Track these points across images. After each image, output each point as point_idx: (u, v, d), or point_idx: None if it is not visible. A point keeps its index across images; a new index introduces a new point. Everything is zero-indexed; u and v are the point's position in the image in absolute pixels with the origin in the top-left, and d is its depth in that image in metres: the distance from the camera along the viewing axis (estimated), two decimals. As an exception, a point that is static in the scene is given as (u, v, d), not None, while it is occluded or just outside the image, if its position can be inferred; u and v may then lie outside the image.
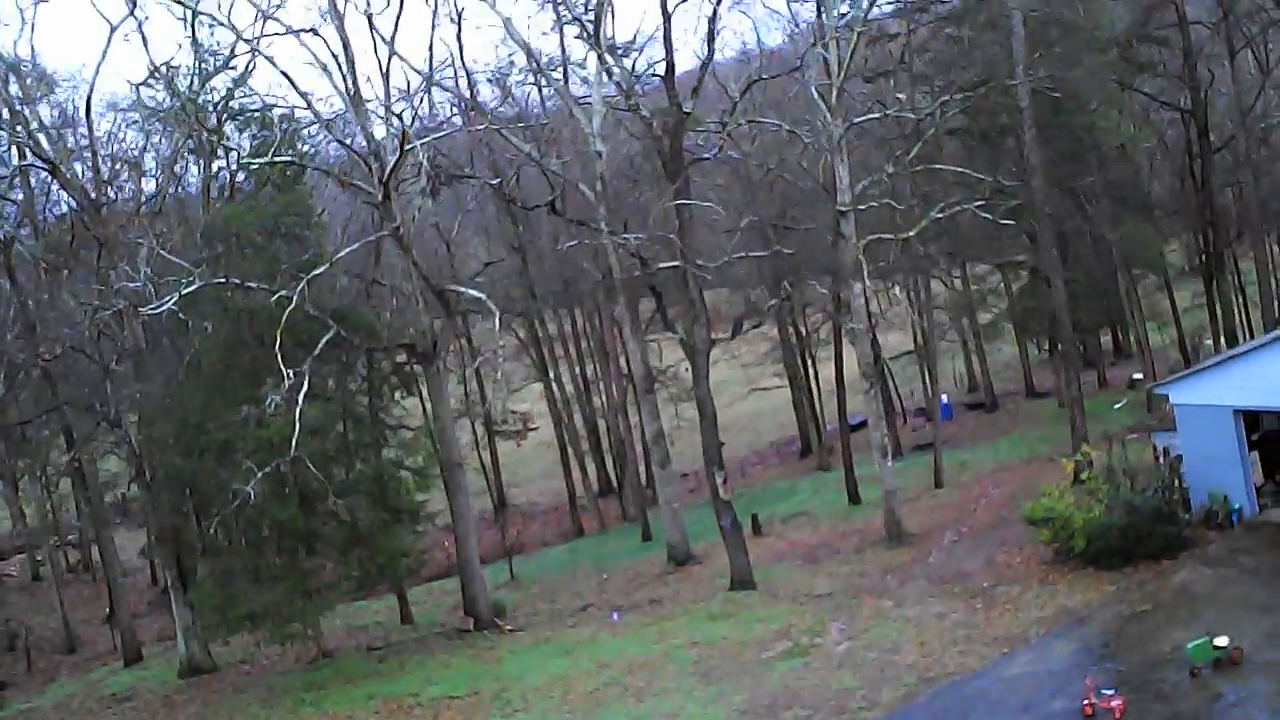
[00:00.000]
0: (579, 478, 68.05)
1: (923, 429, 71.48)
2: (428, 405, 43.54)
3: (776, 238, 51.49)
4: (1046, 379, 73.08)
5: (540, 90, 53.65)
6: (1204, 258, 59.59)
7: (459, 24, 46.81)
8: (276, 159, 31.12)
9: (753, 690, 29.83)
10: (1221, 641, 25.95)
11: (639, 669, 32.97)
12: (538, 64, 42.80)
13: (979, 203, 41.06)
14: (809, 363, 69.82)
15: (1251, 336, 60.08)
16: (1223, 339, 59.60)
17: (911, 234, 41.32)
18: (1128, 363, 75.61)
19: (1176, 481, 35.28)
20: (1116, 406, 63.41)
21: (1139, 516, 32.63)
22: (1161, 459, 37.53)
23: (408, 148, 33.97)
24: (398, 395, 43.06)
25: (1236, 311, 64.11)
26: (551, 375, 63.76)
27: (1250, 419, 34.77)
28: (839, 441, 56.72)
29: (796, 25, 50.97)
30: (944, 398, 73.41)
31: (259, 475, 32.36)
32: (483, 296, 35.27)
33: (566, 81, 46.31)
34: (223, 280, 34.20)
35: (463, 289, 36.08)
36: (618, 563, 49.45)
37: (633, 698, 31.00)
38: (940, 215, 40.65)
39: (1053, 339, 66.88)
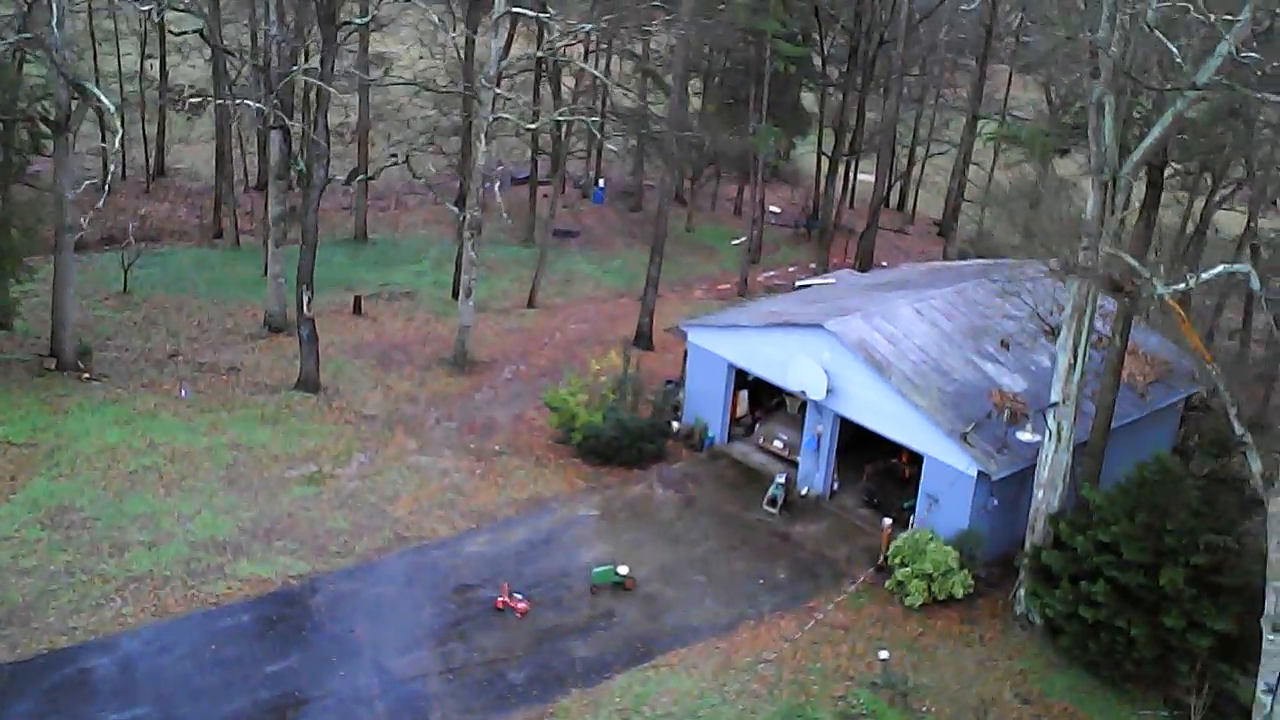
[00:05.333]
0: (239, 171, 69.93)
1: (576, 206, 75.97)
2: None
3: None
4: (704, 192, 78.28)
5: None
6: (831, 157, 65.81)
7: None
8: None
9: (261, 510, 35.10)
10: (623, 570, 33.48)
11: (180, 459, 37.61)
12: None
13: (596, 117, 45.06)
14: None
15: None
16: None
17: (533, 126, 45.48)
18: (780, 187, 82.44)
19: (673, 403, 42.46)
20: (734, 242, 69.95)
21: (625, 433, 39.48)
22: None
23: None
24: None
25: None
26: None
27: (747, 366, 41.80)
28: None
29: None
30: (601, 182, 78.23)
31: None
32: (111, 108, 37.33)
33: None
34: None
35: (97, 93, 37.70)
36: (229, 296, 52.54)
37: (163, 488, 35.64)
38: (559, 119, 44.82)
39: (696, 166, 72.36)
